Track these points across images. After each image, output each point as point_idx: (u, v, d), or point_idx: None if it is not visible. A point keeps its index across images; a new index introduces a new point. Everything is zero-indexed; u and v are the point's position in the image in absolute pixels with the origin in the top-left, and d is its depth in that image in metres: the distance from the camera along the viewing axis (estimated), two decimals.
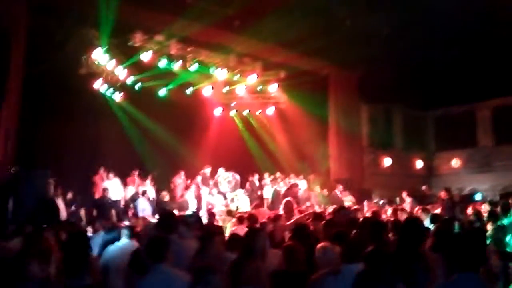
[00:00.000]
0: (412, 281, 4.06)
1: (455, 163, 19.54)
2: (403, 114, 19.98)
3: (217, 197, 14.07)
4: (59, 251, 5.30)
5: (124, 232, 5.71)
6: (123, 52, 13.64)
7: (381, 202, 13.83)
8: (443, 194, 12.66)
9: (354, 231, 4.76)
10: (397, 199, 14.11)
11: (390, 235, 5.69)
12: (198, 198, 13.77)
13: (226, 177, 14.66)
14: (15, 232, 7.19)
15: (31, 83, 10.73)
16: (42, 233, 5.76)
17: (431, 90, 17.54)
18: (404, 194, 13.08)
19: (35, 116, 11.82)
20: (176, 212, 9.37)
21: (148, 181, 13.61)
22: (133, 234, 5.78)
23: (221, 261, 4.48)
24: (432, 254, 4.55)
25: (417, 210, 8.96)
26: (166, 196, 13.26)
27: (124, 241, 5.59)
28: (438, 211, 10.37)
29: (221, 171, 14.90)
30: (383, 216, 9.24)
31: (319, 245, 4.39)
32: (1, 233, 6.99)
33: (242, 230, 6.48)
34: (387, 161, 18.75)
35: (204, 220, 8.42)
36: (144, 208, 12.02)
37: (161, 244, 4.13)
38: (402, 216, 8.47)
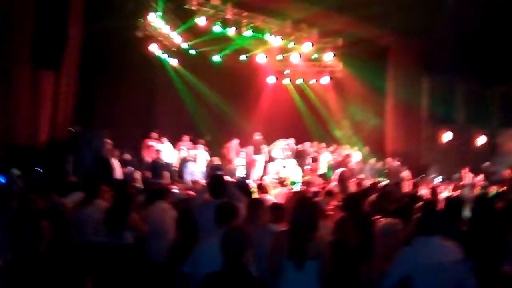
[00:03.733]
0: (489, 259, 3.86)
1: None
2: (467, 87, 18.84)
3: (271, 164, 14.01)
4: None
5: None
6: (179, 16, 13.63)
7: (438, 178, 13.29)
8: (507, 173, 11.99)
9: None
10: (456, 175, 13.50)
11: None
12: (249, 164, 13.75)
13: (280, 145, 14.51)
14: (73, 187, 7.42)
15: (89, 43, 10.86)
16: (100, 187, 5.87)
17: (498, 63, 16.42)
18: (465, 170, 12.47)
19: (92, 77, 12.04)
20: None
21: (201, 146, 13.72)
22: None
23: (266, 231, 4.38)
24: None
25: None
26: (216, 161, 13.37)
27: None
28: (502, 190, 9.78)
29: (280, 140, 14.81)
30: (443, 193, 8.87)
31: (384, 221, 4.21)
32: (61, 188, 7.16)
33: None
34: (447, 136, 17.91)
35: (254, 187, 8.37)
36: (192, 172, 12.15)
37: (231, 211, 4.09)
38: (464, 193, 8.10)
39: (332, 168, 13.26)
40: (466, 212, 5.56)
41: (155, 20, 13.06)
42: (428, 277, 3.46)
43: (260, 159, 14.09)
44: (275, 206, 4.99)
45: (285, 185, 9.59)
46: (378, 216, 5.50)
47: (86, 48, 10.89)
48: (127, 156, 11.87)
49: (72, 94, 10.57)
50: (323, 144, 15.39)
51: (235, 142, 14.46)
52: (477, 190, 8.11)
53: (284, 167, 13.61)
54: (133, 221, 5.08)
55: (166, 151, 12.64)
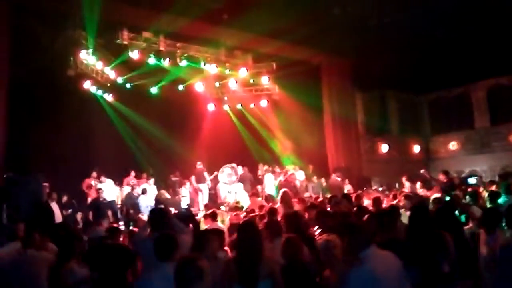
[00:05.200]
0: (430, 262, 4.01)
1: (453, 145, 19.45)
2: (398, 99, 19.87)
3: (220, 190, 14.03)
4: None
5: None
6: (112, 51, 13.47)
7: (380, 189, 13.74)
8: (441, 177, 12.56)
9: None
10: (397, 184, 14.03)
11: None
12: (193, 194, 13.68)
13: (226, 171, 14.54)
14: (9, 237, 7.08)
15: (18, 86, 10.51)
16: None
17: (424, 74, 17.42)
18: (404, 179, 12.98)
19: (24, 120, 11.63)
20: (172, 209, 9.27)
21: (151, 180, 13.51)
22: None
23: (216, 260, 4.37)
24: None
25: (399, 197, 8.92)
26: (164, 194, 13.18)
27: None
28: (437, 195, 10.23)
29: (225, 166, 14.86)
30: (384, 202, 9.17)
31: (322, 239, 4.28)
32: None
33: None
34: (384, 147, 18.64)
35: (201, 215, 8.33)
36: (148, 206, 11.89)
37: (170, 243, 3.99)
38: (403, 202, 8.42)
39: (277, 189, 13.44)
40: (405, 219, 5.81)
41: (86, 57, 12.87)
42: None
43: (204, 188, 14.07)
44: (217, 233, 5.00)
45: (237, 210, 9.62)
46: (318, 232, 5.65)
47: (17, 91, 10.53)
48: (65, 199, 11.48)
49: (2, 140, 10.13)
50: (266, 166, 15.57)
51: (177, 174, 14.43)
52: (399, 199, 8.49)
53: (229, 192, 13.67)
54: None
55: (107, 189, 12.33)
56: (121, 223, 9.11)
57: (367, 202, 9.32)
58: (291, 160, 16.46)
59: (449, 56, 15.89)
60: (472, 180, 12.14)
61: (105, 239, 6.17)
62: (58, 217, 10.46)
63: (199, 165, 14.64)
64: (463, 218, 6.51)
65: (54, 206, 10.59)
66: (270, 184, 14.48)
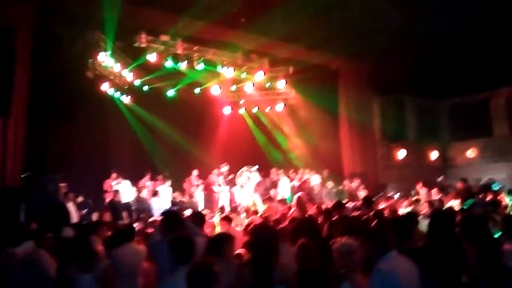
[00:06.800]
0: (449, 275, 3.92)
1: (471, 153, 19.11)
2: (416, 104, 19.59)
3: (235, 194, 14.03)
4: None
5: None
6: (129, 53, 13.64)
7: (396, 195, 13.58)
8: (460, 185, 12.39)
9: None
10: (413, 191, 13.83)
11: None
12: (209, 196, 13.68)
13: (244, 174, 14.55)
14: (24, 237, 7.17)
15: (37, 87, 10.65)
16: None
17: (443, 79, 17.17)
18: (419, 186, 12.80)
19: (42, 120, 11.79)
20: (188, 211, 9.30)
21: (167, 182, 13.58)
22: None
23: (230, 263, 4.31)
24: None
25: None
26: (179, 197, 13.23)
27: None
28: (453, 202, 10.09)
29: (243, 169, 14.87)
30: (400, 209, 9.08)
31: (339, 241, 4.20)
32: (13, 239, 6.91)
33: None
34: (401, 153, 18.40)
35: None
36: (160, 208, 11.95)
37: (189, 246, 3.96)
38: (419, 208, 8.32)
39: (292, 193, 13.38)
40: (423, 227, 5.69)
41: (105, 59, 13.00)
42: None
43: (222, 190, 14.07)
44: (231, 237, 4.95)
45: (253, 214, 9.58)
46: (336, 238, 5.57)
47: (35, 92, 10.65)
48: (80, 199, 11.59)
49: (21, 140, 10.26)
50: (281, 170, 15.52)
51: (194, 174, 14.41)
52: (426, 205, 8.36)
53: (244, 196, 13.65)
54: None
55: (124, 191, 12.42)
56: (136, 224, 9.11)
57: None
58: (306, 165, 16.38)
59: (469, 62, 15.64)
60: (495, 186, 11.97)
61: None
62: (74, 217, 10.56)
63: (223, 167, 14.64)
64: None
65: (71, 206, 10.71)
66: (285, 188, 14.42)
